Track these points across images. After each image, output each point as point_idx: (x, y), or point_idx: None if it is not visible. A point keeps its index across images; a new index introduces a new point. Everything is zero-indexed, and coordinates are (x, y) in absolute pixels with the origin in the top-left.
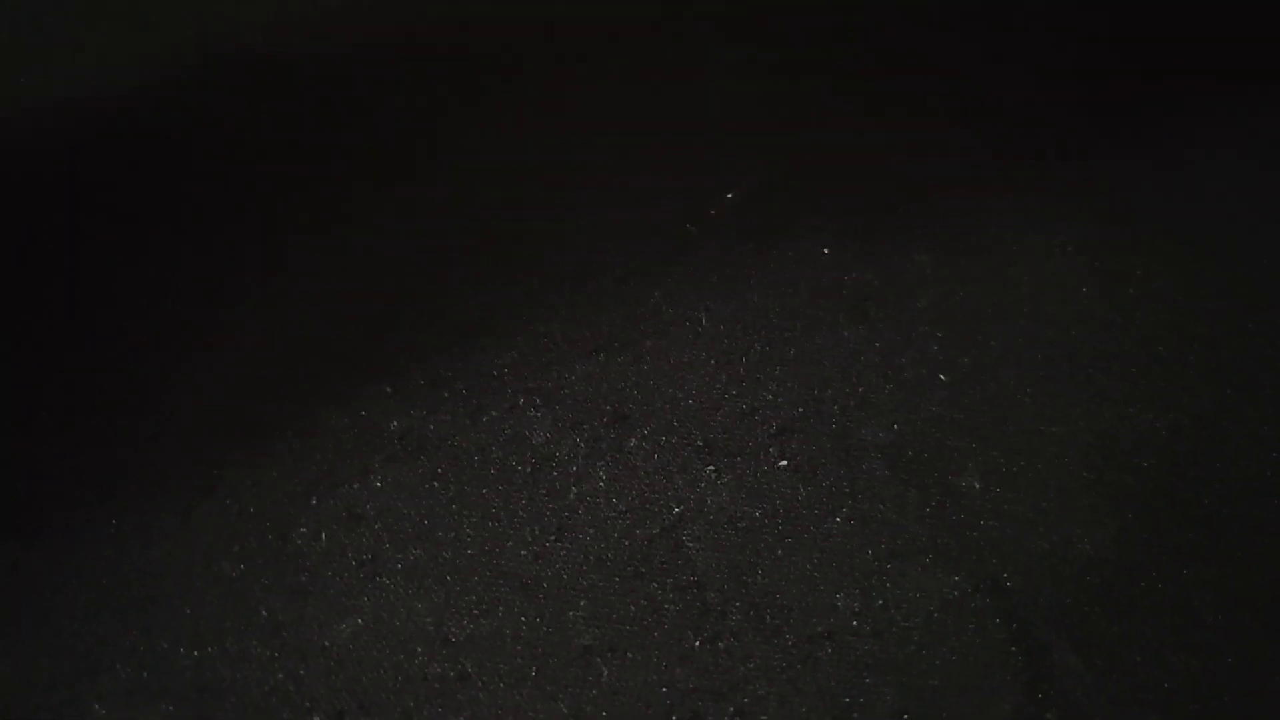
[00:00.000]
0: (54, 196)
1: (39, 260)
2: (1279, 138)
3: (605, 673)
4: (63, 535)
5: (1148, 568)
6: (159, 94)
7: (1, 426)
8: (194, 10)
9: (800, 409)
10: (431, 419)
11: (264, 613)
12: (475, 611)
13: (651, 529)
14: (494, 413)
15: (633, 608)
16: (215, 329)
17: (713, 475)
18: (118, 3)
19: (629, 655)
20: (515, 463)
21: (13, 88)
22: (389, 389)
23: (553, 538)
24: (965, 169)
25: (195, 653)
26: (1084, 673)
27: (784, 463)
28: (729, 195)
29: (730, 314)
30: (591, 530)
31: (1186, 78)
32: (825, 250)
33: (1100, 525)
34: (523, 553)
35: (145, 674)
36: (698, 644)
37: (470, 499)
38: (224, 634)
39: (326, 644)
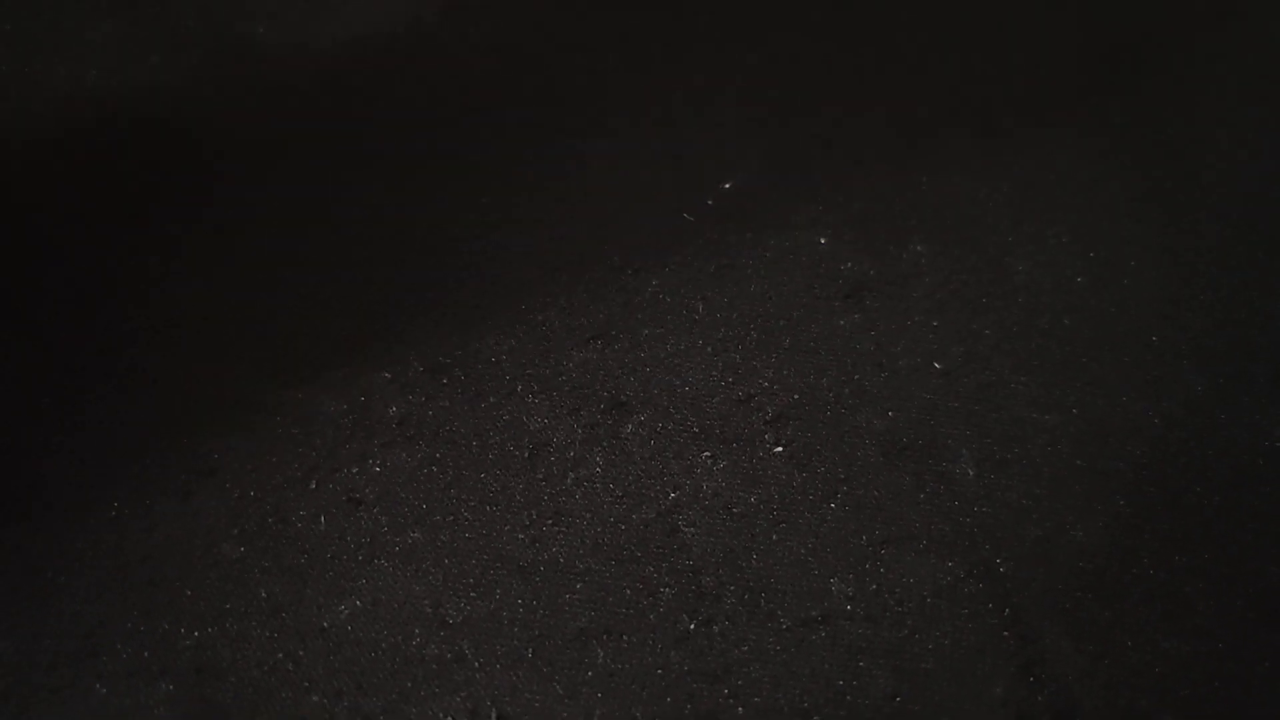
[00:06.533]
0: (57, 187)
1: (41, 249)
2: (1276, 133)
3: (601, 655)
4: (64, 519)
5: (1140, 554)
6: (163, 85)
7: (3, 411)
8: (198, 3)
9: (796, 396)
10: (430, 405)
11: (264, 594)
12: (472, 594)
13: (647, 514)
14: (492, 399)
15: (628, 591)
16: (216, 315)
17: (708, 461)
18: None
19: (624, 638)
20: (513, 448)
21: (17, 79)
22: (388, 375)
23: (550, 522)
24: (961, 159)
25: (195, 634)
26: (1076, 658)
27: (779, 449)
28: (726, 185)
29: (727, 302)
30: (588, 515)
31: (1188, 73)
32: (822, 240)
33: (1093, 512)
34: (520, 536)
35: (146, 654)
36: (692, 627)
37: (468, 484)
38: (224, 615)
39: (325, 625)
